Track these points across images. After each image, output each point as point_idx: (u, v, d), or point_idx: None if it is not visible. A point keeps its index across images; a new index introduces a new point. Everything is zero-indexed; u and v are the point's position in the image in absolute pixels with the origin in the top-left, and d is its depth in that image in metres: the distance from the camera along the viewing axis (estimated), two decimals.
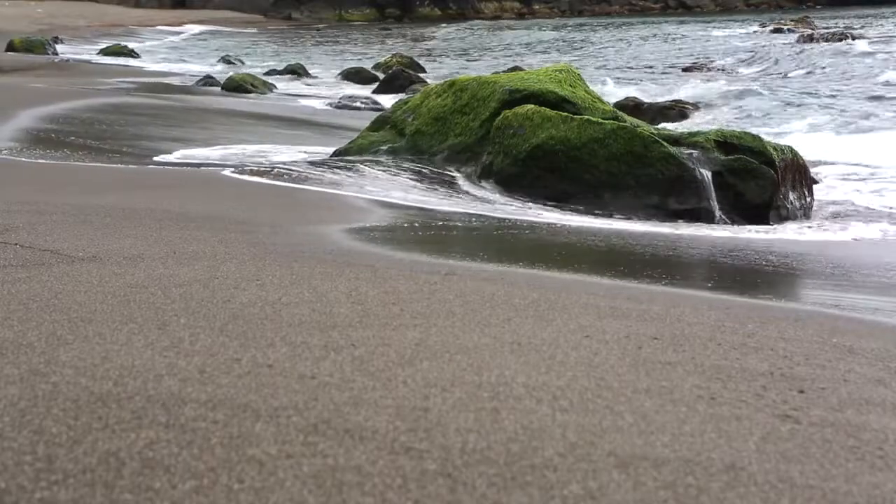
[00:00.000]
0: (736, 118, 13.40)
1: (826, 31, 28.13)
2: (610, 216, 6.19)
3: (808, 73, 18.81)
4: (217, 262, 3.36)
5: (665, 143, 6.36)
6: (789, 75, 18.81)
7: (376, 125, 8.23)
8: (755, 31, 32.94)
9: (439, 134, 7.52)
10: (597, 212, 6.27)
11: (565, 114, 6.72)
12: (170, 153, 7.95)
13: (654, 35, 35.92)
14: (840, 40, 24.99)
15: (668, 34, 35.93)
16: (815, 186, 7.11)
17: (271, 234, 4.14)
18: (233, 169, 6.60)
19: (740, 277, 4.46)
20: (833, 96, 14.96)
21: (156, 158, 7.56)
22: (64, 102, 10.44)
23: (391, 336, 2.51)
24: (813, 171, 7.40)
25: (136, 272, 3.13)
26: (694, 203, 6.21)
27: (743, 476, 1.76)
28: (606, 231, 5.61)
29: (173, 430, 1.80)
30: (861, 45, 23.00)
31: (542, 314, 2.88)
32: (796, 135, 11.28)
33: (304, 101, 15.23)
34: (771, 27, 33.11)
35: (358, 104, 14.35)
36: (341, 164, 7.36)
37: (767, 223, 6.31)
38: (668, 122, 12.31)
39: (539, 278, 3.65)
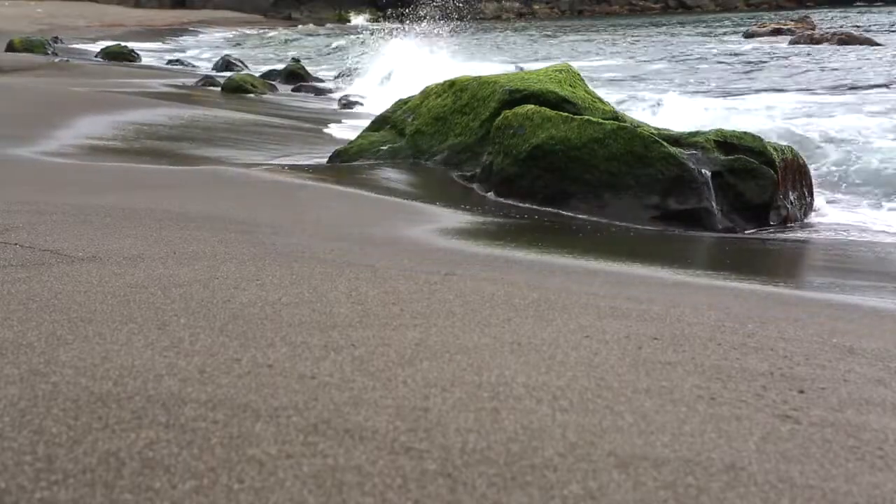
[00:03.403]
0: None
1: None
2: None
3: None
4: (217, 262, 3.36)
5: (665, 144, 6.36)
6: None
7: (376, 125, 8.23)
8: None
9: (439, 134, 7.51)
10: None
11: (565, 114, 6.72)
12: None
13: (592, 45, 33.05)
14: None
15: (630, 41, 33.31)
16: None
17: (271, 234, 4.14)
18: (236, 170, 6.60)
19: None
20: None
21: None
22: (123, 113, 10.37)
23: (391, 336, 2.51)
24: None
25: (136, 272, 3.13)
26: (694, 203, 6.20)
27: (743, 476, 1.76)
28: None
29: (173, 430, 1.80)
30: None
31: (542, 314, 2.88)
32: None
33: (314, 103, 15.22)
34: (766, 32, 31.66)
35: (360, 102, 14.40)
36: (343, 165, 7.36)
37: (768, 224, 6.31)
38: None
39: (539, 277, 3.65)
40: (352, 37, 36.51)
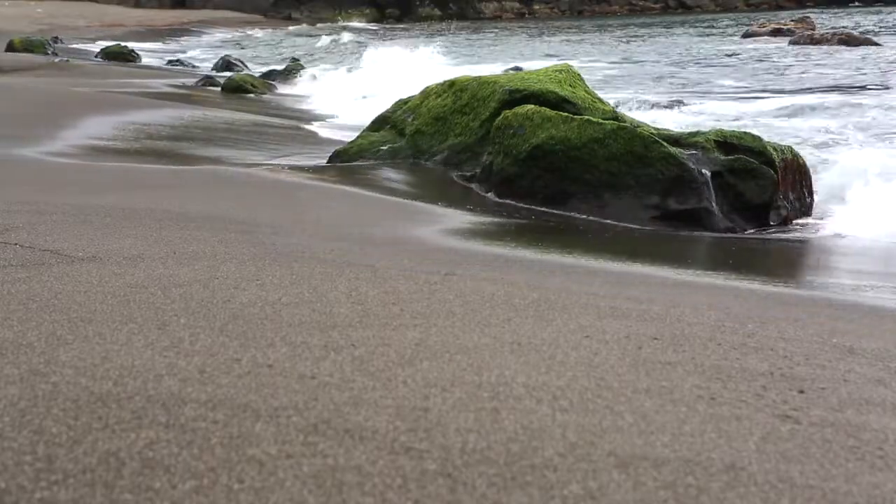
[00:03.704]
0: None
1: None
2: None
3: None
4: (217, 262, 3.36)
5: (665, 143, 6.36)
6: None
7: (376, 125, 8.23)
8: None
9: (439, 134, 7.51)
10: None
11: (565, 114, 6.72)
12: None
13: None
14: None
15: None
16: None
17: (271, 234, 4.14)
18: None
19: None
20: None
21: None
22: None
23: (391, 336, 2.51)
24: None
25: (136, 272, 3.13)
26: (694, 203, 6.20)
27: (743, 476, 1.76)
28: None
29: (173, 430, 1.80)
30: None
31: (542, 314, 2.88)
32: None
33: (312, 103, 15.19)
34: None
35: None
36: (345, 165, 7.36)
37: (768, 224, 6.31)
38: None
39: (539, 277, 3.65)
40: (344, 35, 36.18)
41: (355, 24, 55.27)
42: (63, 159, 6.84)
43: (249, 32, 46.88)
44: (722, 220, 6.21)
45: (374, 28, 49.67)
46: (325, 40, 34.22)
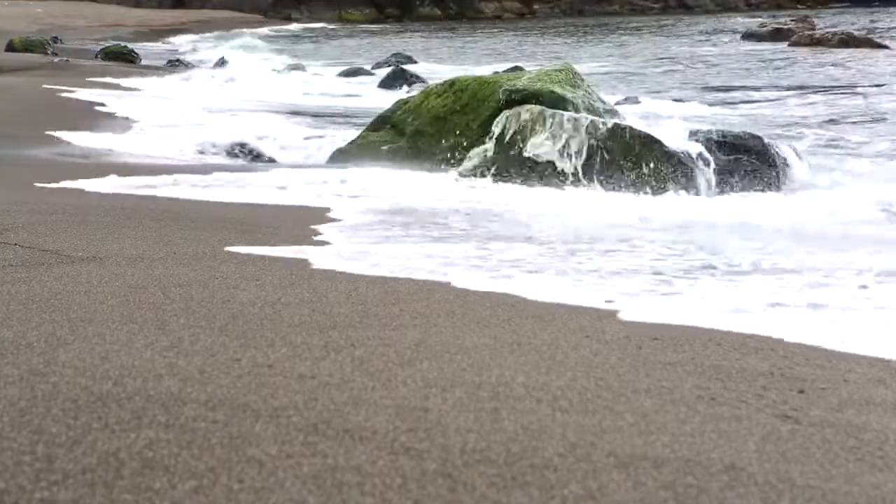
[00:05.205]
0: None
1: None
2: None
3: None
4: (217, 262, 3.36)
5: (665, 143, 6.37)
6: None
7: (376, 125, 8.23)
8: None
9: (439, 134, 7.51)
10: None
11: None
12: None
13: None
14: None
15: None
16: None
17: (271, 234, 4.14)
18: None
19: None
20: None
21: None
22: None
23: (391, 336, 2.51)
24: None
25: (136, 272, 3.13)
26: None
27: (743, 476, 1.76)
28: None
29: (173, 430, 1.80)
30: None
31: (542, 314, 2.88)
32: None
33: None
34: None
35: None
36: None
37: None
38: None
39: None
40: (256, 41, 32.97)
41: (317, 24, 54.62)
42: (60, 158, 6.84)
43: (248, 31, 46.73)
44: None
45: (334, 27, 48.95)
46: (230, 44, 30.51)
